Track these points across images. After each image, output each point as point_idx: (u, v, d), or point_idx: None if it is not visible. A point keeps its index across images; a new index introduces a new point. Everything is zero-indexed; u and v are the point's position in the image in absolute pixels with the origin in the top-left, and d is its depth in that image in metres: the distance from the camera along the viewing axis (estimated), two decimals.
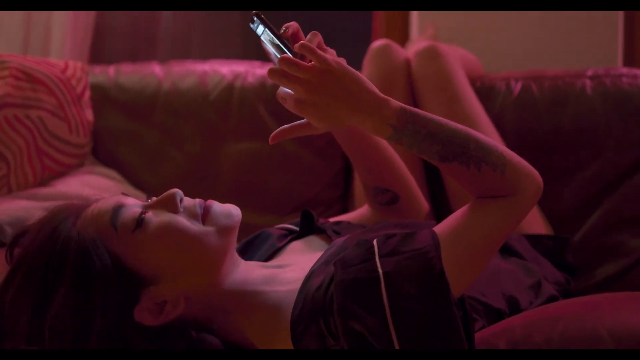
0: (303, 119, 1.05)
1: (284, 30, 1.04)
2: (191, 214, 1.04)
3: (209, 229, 1.04)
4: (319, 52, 0.98)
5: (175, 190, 1.05)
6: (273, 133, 1.05)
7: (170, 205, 1.04)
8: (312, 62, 0.98)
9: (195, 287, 1.04)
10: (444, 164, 1.03)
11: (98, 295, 0.97)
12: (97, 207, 1.04)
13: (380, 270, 0.97)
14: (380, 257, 0.99)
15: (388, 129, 1.01)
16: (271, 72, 0.99)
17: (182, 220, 1.03)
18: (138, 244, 1.01)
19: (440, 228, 1.04)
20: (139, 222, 1.01)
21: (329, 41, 1.06)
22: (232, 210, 1.07)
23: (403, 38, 2.23)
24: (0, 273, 1.02)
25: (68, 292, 0.96)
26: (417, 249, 0.99)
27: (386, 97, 1.01)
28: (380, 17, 2.30)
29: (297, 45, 0.99)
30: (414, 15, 2.22)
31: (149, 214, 1.03)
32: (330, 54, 1.04)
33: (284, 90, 1.02)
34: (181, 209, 1.04)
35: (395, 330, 0.95)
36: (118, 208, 1.02)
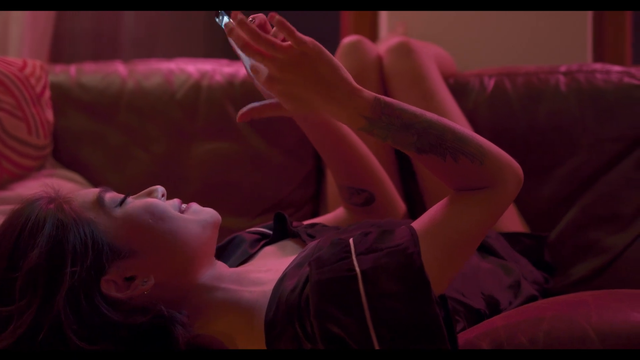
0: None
1: (251, 21, 1.01)
2: (172, 207, 1.07)
3: (187, 216, 1.06)
4: (298, 33, 0.97)
5: (158, 186, 1.08)
6: (241, 110, 1.06)
7: (152, 196, 1.07)
8: (289, 43, 0.97)
9: (168, 270, 1.02)
10: (420, 155, 1.01)
11: (69, 257, 0.96)
12: (77, 193, 1.05)
13: (357, 269, 0.94)
14: (357, 255, 0.96)
15: (361, 120, 0.99)
16: (246, 47, 0.97)
17: (162, 202, 1.05)
18: (117, 217, 1.02)
19: (418, 223, 1.02)
20: (122, 200, 1.03)
21: None
22: (211, 211, 1.09)
23: (372, 38, 2.20)
24: None
25: (41, 252, 0.96)
26: (395, 245, 0.96)
27: (360, 87, 1.00)
28: (348, 17, 2.27)
29: (276, 20, 0.97)
30: (383, 15, 2.19)
31: (131, 198, 1.05)
32: None
33: (258, 64, 1.01)
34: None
35: (375, 331, 0.92)
36: (104, 191, 1.04)
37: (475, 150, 1.01)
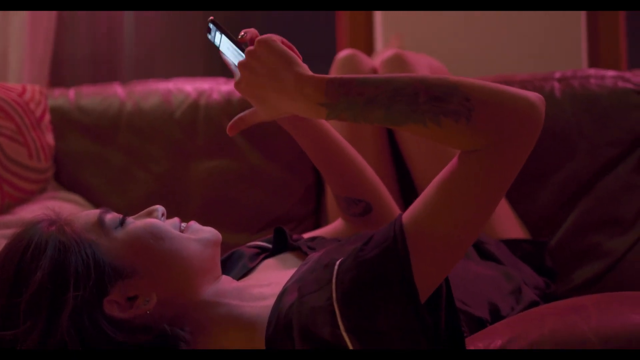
0: None
1: (242, 36, 1.03)
2: (172, 225, 1.07)
3: (187, 235, 1.07)
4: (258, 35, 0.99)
5: (158, 205, 1.08)
6: (229, 124, 1.06)
7: (152, 215, 1.07)
8: None
9: (169, 289, 1.03)
10: (399, 127, 0.93)
11: (72, 279, 0.97)
12: (78, 215, 1.05)
13: (334, 295, 0.94)
14: (337, 280, 0.95)
15: (320, 109, 0.94)
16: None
17: (162, 223, 1.06)
18: (118, 238, 1.02)
19: (408, 216, 0.95)
20: (122, 221, 1.04)
21: None
22: (211, 229, 1.09)
23: (368, 52, 2.22)
24: None
25: (44, 275, 0.96)
26: (376, 255, 0.94)
27: (312, 74, 0.95)
28: (343, 31, 2.29)
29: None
30: (378, 28, 2.21)
31: (131, 219, 1.06)
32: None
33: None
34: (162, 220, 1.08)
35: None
36: (105, 212, 1.05)
37: (458, 107, 0.88)
